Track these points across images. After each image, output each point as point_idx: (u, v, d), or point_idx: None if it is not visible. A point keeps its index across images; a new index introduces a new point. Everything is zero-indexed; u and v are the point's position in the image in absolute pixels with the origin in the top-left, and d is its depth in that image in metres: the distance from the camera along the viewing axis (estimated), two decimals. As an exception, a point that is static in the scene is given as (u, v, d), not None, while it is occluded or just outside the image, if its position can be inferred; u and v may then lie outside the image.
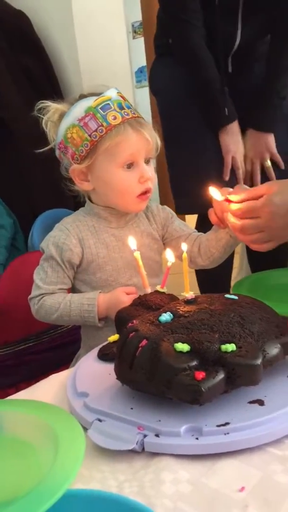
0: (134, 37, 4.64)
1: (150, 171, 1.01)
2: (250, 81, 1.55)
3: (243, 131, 1.53)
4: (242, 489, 0.54)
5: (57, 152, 1.04)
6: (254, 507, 0.52)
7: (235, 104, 1.50)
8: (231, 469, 0.57)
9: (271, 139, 1.53)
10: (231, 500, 0.53)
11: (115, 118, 0.97)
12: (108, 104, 0.97)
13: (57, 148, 1.03)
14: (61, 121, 1.01)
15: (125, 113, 0.98)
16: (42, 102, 1.04)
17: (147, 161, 1.02)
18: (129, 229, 1.06)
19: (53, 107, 1.03)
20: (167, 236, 1.11)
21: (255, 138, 1.52)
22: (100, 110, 0.97)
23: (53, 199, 1.67)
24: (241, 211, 0.89)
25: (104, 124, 0.96)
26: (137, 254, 0.83)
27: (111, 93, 0.99)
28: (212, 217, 0.96)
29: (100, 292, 1.00)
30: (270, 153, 1.53)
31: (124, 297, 0.95)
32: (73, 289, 1.07)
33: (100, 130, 0.96)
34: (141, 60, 4.00)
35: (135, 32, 4.65)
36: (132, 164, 0.99)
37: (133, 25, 4.60)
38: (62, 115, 1.02)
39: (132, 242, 0.86)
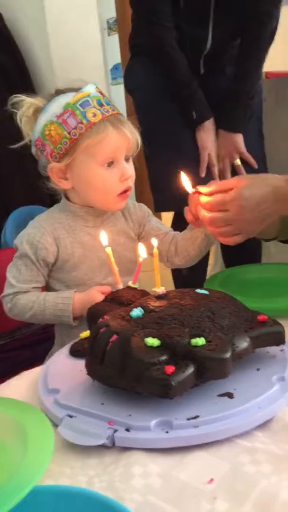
0: (109, 34, 4.60)
1: (130, 169, 1.00)
2: (222, 82, 1.56)
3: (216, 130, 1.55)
4: (211, 481, 0.55)
5: (33, 149, 1.02)
6: (222, 498, 0.52)
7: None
8: (201, 462, 0.58)
9: (239, 139, 1.55)
10: (200, 492, 0.53)
11: (94, 115, 0.94)
12: (87, 100, 0.95)
13: (34, 145, 1.01)
14: (37, 117, 0.99)
15: (105, 110, 0.96)
16: (16, 96, 1.01)
17: (127, 159, 1.01)
18: (105, 228, 1.03)
19: (27, 101, 1.00)
20: (143, 234, 1.11)
21: (225, 137, 1.55)
22: (79, 106, 0.94)
23: (26, 195, 1.65)
24: (210, 204, 0.89)
25: (84, 121, 0.94)
26: (108, 250, 0.83)
27: (90, 89, 0.97)
28: (188, 215, 0.97)
29: (75, 291, 1.00)
30: (239, 153, 1.56)
31: (99, 296, 0.94)
32: (47, 287, 1.06)
33: (79, 128, 0.94)
34: (117, 57, 3.98)
35: (110, 28, 4.62)
36: (112, 162, 0.98)
37: (108, 22, 4.56)
38: (37, 110, 1.00)
39: (103, 237, 0.85)
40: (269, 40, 1.52)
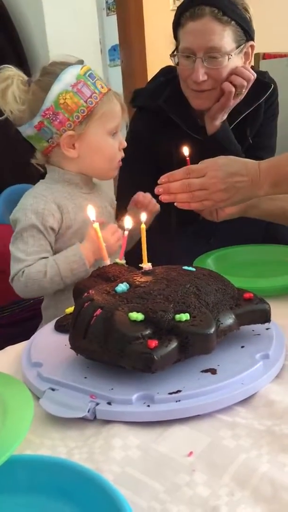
0: (108, 14, 4.54)
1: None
2: None
3: None
4: (190, 453, 0.55)
5: (38, 119, 1.00)
6: (201, 471, 0.52)
7: None
8: (181, 435, 0.58)
9: None
10: (178, 464, 0.53)
11: (102, 87, 1.02)
12: (92, 73, 1.02)
13: (40, 115, 0.99)
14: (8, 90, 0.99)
15: (106, 84, 1.04)
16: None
17: None
18: (95, 195, 1.10)
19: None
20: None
21: None
22: (89, 78, 1.01)
23: (16, 175, 1.64)
24: (189, 170, 0.98)
25: (97, 91, 1.01)
26: (96, 225, 0.83)
27: (88, 65, 1.04)
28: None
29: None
30: None
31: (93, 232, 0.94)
32: None
33: (94, 97, 1.00)
34: (116, 37, 3.91)
35: (109, 9, 4.56)
36: (115, 132, 1.05)
37: (107, 2, 4.51)
38: (8, 85, 0.99)
39: (91, 212, 0.85)
40: None
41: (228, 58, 1.21)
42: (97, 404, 0.61)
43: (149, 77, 1.50)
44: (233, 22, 1.20)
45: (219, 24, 1.19)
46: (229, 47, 1.21)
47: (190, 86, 1.26)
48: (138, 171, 1.33)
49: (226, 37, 1.20)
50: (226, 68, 1.22)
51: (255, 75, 1.27)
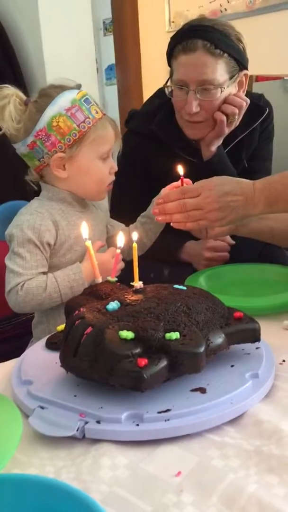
0: (105, 34, 4.61)
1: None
2: None
3: None
4: (179, 473, 0.55)
5: (30, 139, 1.03)
6: (189, 491, 0.52)
7: None
8: (170, 455, 0.58)
9: None
10: (166, 484, 0.53)
11: (96, 112, 1.04)
12: (88, 98, 1.04)
13: (33, 135, 1.02)
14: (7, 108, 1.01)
15: (100, 109, 1.06)
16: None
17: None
18: (89, 213, 1.11)
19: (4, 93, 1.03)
20: (109, 227, 1.17)
21: None
22: (83, 103, 1.03)
23: (11, 191, 1.65)
24: (183, 190, 1.01)
25: (90, 116, 1.03)
26: (88, 243, 0.83)
27: (85, 90, 1.05)
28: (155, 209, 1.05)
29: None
30: None
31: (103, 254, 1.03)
32: None
33: (87, 122, 1.02)
34: (112, 57, 3.97)
35: (106, 29, 4.63)
36: (106, 157, 1.07)
37: (104, 22, 4.58)
38: (19, 102, 1.03)
39: (84, 230, 0.85)
40: None
41: (221, 90, 1.22)
42: (86, 422, 0.61)
43: (144, 96, 1.53)
44: (225, 54, 1.21)
45: (211, 57, 1.20)
46: (222, 78, 1.22)
47: (183, 117, 1.27)
48: (131, 194, 1.34)
49: (219, 70, 1.21)
50: (219, 99, 1.24)
51: (248, 101, 1.28)
